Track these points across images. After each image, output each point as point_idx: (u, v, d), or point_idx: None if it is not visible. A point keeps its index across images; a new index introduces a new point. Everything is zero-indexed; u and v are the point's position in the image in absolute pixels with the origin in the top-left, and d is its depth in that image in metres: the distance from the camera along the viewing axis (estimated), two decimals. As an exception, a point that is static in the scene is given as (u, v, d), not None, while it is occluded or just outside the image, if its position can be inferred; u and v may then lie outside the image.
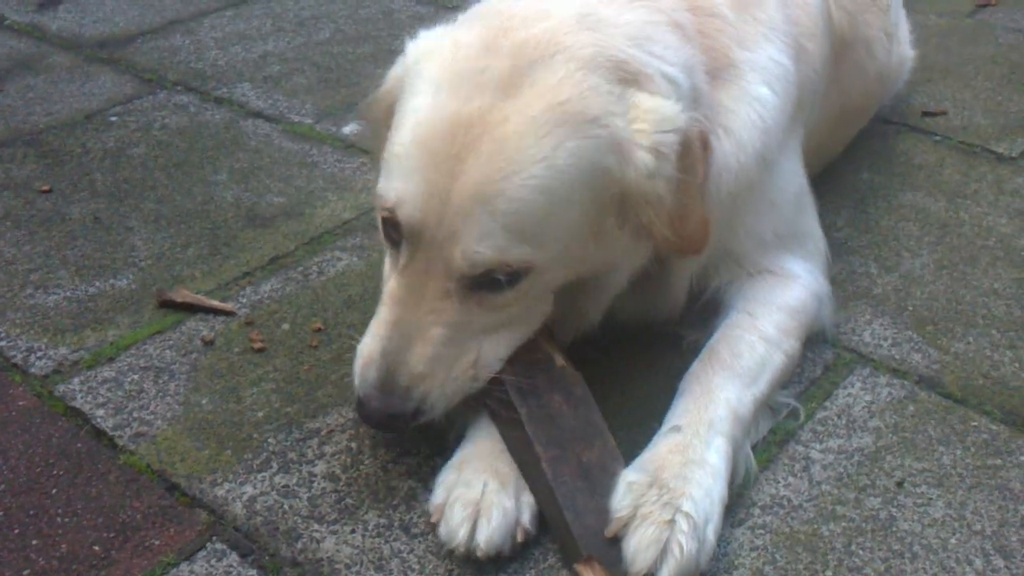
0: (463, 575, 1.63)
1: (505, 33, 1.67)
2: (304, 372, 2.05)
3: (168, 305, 2.23)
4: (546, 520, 1.69)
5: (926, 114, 3.15)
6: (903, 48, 3.05)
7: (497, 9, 1.77)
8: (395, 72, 1.81)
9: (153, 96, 3.20)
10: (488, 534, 1.61)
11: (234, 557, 1.65)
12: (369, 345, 1.70)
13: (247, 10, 3.89)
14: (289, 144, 2.92)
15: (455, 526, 1.62)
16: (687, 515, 1.60)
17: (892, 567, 1.67)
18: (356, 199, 2.64)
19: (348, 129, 3.00)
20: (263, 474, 1.81)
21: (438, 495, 1.69)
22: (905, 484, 1.83)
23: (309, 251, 2.43)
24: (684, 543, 1.57)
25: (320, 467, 1.83)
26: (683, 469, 1.67)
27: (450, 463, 1.74)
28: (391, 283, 1.71)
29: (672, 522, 1.59)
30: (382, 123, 1.82)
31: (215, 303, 2.22)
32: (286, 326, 2.18)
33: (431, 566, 1.64)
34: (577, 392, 1.78)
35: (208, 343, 2.12)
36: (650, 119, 1.65)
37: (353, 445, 1.87)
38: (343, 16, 3.85)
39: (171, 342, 2.13)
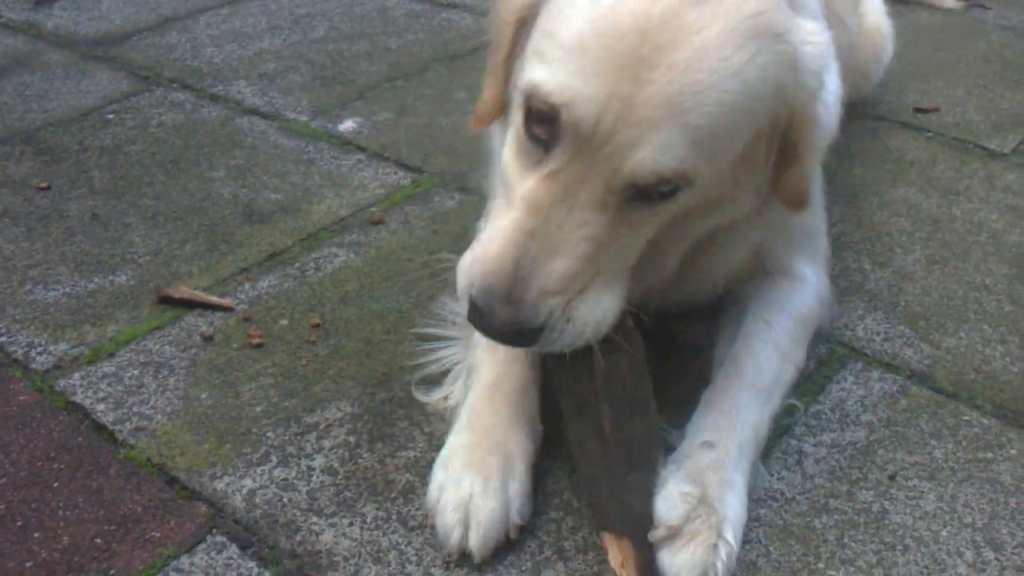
0: (460, 566, 1.65)
1: None
2: (302, 367, 2.06)
3: (167, 301, 2.24)
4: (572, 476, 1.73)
5: (918, 111, 3.18)
6: (872, 22, 3.03)
7: None
8: None
9: (149, 93, 3.21)
10: (481, 540, 1.64)
11: (234, 549, 1.67)
12: (498, 251, 1.54)
13: (242, 8, 3.90)
14: (285, 141, 2.93)
15: (447, 529, 1.65)
16: (727, 543, 1.62)
17: (884, 559, 1.69)
18: (352, 196, 2.65)
19: (344, 126, 3.01)
20: (262, 468, 1.83)
21: (431, 494, 1.71)
22: (897, 477, 1.85)
23: (306, 247, 2.45)
24: (721, 571, 1.59)
25: (319, 461, 1.85)
26: (721, 490, 1.68)
27: (440, 457, 1.76)
28: (530, 186, 1.55)
29: (716, 547, 1.60)
30: (512, 24, 1.67)
31: (213, 299, 2.23)
32: (284, 322, 2.19)
33: (428, 558, 1.66)
34: (639, 358, 1.75)
35: (207, 338, 2.14)
36: (816, 44, 1.60)
37: (351, 439, 1.89)
38: (338, 14, 3.86)
39: (170, 338, 2.15)
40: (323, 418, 1.94)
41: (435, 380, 1.97)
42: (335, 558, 1.66)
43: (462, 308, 1.60)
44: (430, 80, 3.32)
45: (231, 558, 1.66)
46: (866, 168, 2.84)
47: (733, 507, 1.67)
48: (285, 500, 1.76)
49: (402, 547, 1.68)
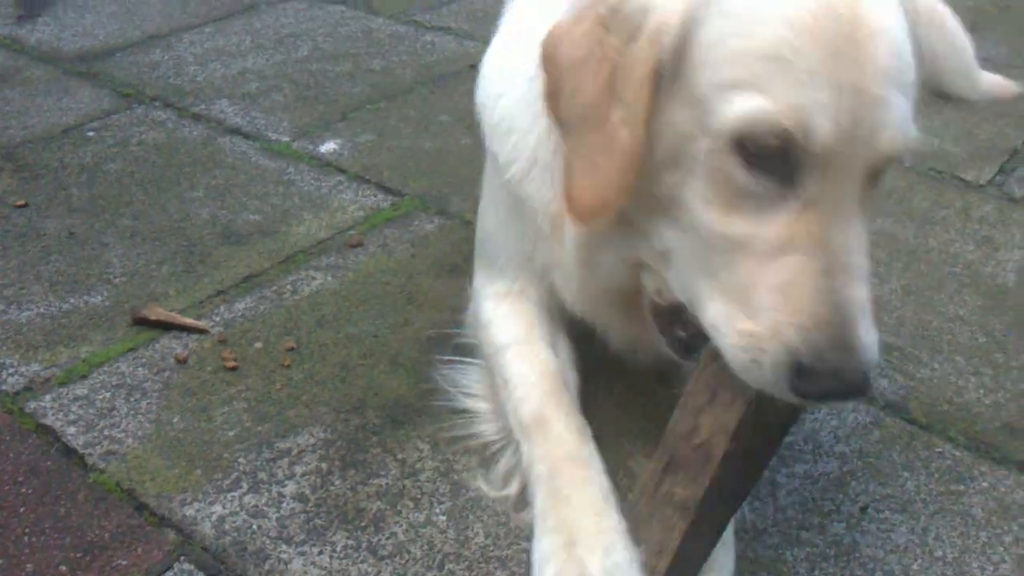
0: (430, 597, 1.65)
1: None
2: (276, 391, 2.05)
3: (142, 322, 2.23)
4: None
5: (897, 141, 3.20)
6: None
7: None
8: (661, 18, 1.40)
9: (131, 111, 3.21)
10: None
11: (201, 577, 1.66)
12: (809, 302, 1.35)
13: (227, 26, 3.90)
14: (266, 162, 2.93)
15: None
16: None
17: (854, 592, 1.69)
18: (332, 218, 2.65)
19: (325, 148, 3.01)
20: (233, 494, 1.81)
21: None
22: (869, 509, 1.85)
23: (283, 270, 2.44)
24: None
25: (290, 487, 1.83)
26: (722, 551, 1.65)
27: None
28: (787, 226, 1.37)
29: None
30: (648, 78, 1.41)
31: (188, 321, 2.22)
32: (259, 345, 2.18)
33: (398, 588, 1.66)
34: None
35: (181, 361, 2.12)
36: None
37: (323, 466, 1.88)
38: (322, 34, 3.86)
39: (144, 360, 2.13)
40: (295, 444, 1.93)
41: (473, 456, 1.90)
42: (304, 587, 1.65)
43: (777, 387, 1.38)
44: (413, 102, 3.33)
45: (198, 586, 1.65)
46: (844, 197, 2.85)
47: (726, 568, 1.65)
48: (255, 527, 1.75)
49: (371, 576, 1.67)
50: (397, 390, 2.06)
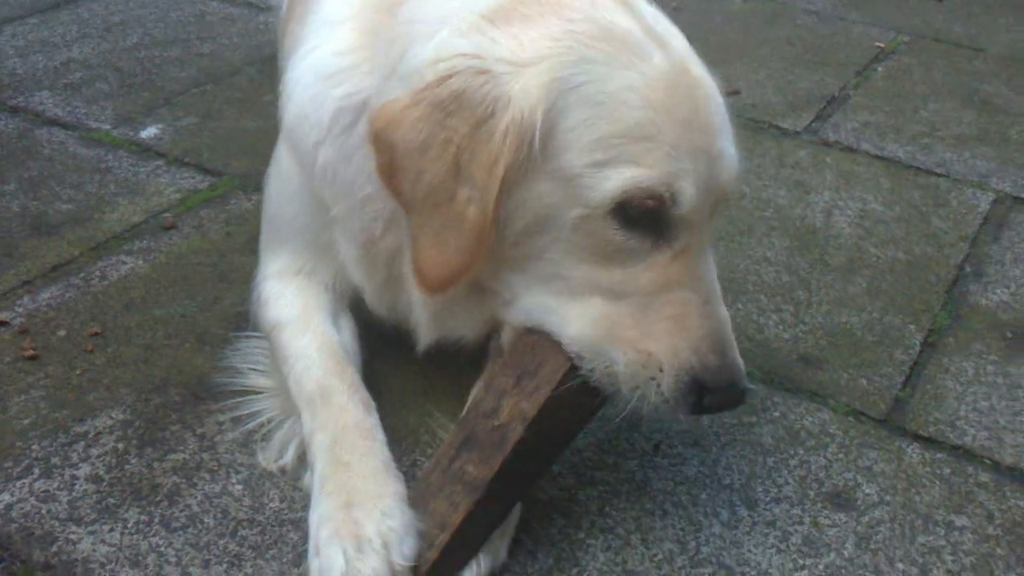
0: (219, 564, 1.64)
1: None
2: (76, 377, 2.02)
3: (-61, 319, 2.18)
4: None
5: (719, 94, 3.28)
6: None
7: None
8: (520, 109, 1.47)
9: (-57, 108, 3.11)
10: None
11: (-18, 566, 1.64)
12: (700, 331, 1.57)
13: (53, 17, 3.79)
14: (83, 151, 2.86)
15: None
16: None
17: (642, 525, 1.74)
18: (147, 202, 2.61)
19: (146, 133, 2.96)
20: (22, 481, 1.78)
21: None
22: (662, 446, 1.91)
23: (93, 256, 2.40)
24: None
25: (84, 470, 1.81)
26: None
27: (310, 541, 1.57)
28: (657, 272, 1.57)
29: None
30: (499, 179, 1.49)
31: (-13, 314, 2.18)
32: (62, 332, 2.15)
33: (188, 558, 1.65)
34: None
35: (-22, 355, 2.08)
36: None
37: (120, 446, 1.86)
38: (153, 20, 3.78)
39: (-60, 356, 2.08)
40: (93, 427, 1.90)
41: (255, 432, 1.89)
42: (91, 565, 1.63)
43: (672, 402, 1.58)
44: (240, 84, 3.29)
45: (-21, 574, 1.62)
46: (664, 151, 2.91)
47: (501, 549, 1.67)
48: (44, 512, 1.73)
49: (162, 549, 1.67)
50: (201, 367, 2.05)
